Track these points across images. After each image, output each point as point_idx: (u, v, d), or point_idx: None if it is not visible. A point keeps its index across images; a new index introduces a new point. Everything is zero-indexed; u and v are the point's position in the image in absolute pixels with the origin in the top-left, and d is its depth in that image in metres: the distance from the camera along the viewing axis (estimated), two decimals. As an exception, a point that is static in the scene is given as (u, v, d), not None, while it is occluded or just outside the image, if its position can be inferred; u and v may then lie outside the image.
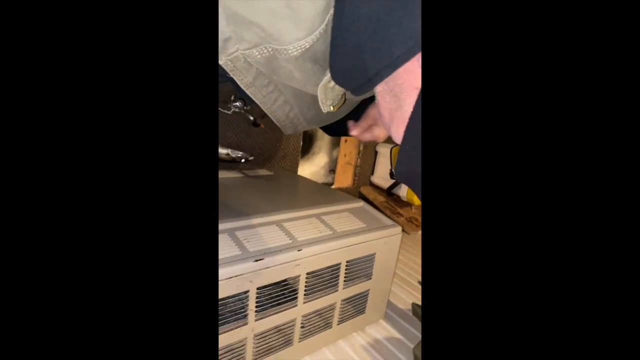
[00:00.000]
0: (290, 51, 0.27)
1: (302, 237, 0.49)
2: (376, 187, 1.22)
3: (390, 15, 0.22)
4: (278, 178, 0.80)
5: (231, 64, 0.30)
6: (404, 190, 1.10)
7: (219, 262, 0.40)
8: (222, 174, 0.75)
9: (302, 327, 0.50)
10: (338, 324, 0.55)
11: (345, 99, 0.33)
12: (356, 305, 0.58)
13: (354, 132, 0.45)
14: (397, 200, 1.15)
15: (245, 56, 0.29)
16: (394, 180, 1.10)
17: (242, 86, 0.32)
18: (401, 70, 0.23)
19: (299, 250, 0.46)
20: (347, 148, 1.22)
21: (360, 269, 0.55)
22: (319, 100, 0.32)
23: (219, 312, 0.43)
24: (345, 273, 0.52)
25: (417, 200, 1.09)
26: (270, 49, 0.28)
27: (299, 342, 0.51)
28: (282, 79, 0.32)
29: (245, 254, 0.42)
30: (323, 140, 1.24)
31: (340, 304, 0.54)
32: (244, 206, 0.55)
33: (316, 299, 0.50)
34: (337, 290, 0.52)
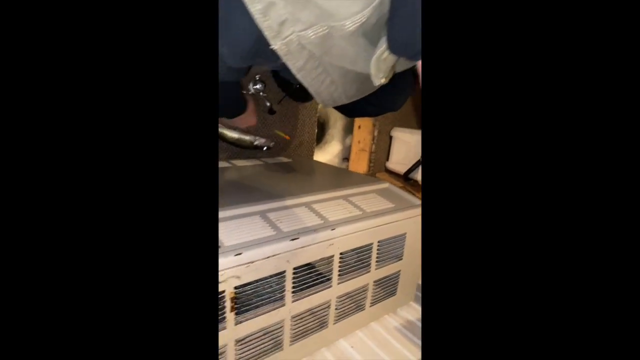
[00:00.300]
0: (346, 26, 0.28)
1: (333, 217, 0.48)
2: (392, 173, 1.20)
3: None
4: (298, 164, 0.79)
5: (285, 48, 0.30)
6: (421, 175, 1.08)
7: (256, 242, 0.39)
8: (243, 163, 0.74)
9: (336, 309, 0.50)
10: (370, 306, 0.54)
11: (394, 71, 0.34)
12: (387, 287, 0.57)
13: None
14: (415, 185, 1.13)
15: (300, 38, 0.29)
16: (411, 165, 1.08)
17: (293, 70, 0.33)
18: None
19: (332, 230, 0.45)
20: (361, 134, 1.20)
21: (391, 249, 0.54)
22: (372, 74, 0.32)
23: (257, 295, 0.43)
24: (377, 253, 0.51)
25: (435, 184, 1.07)
26: (325, 27, 0.28)
27: (334, 324, 0.50)
28: (334, 59, 0.33)
29: (280, 234, 0.42)
30: (335, 129, 1.23)
31: (373, 285, 0.53)
32: (270, 190, 0.55)
33: (350, 279, 0.49)
34: (369, 271, 0.51)
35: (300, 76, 0.34)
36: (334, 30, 0.28)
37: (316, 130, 1.07)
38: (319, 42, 0.30)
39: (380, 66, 0.32)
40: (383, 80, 0.34)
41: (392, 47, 0.30)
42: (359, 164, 1.22)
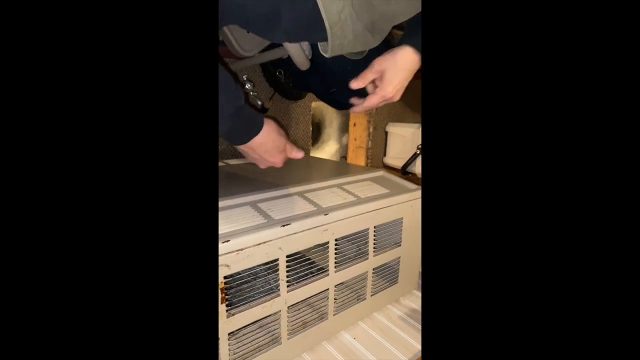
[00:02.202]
0: None
1: (327, 204, 0.47)
2: (390, 168, 1.19)
3: None
4: (293, 160, 0.78)
5: None
6: (418, 168, 1.07)
7: (245, 230, 0.38)
8: (236, 162, 0.74)
9: (335, 300, 0.48)
10: (372, 296, 0.53)
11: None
12: (388, 275, 0.55)
13: (357, 83, 0.43)
14: (413, 178, 1.12)
15: None
16: (408, 159, 1.07)
17: None
18: None
19: (325, 215, 0.43)
20: (357, 132, 1.20)
21: (388, 234, 0.53)
22: None
23: (250, 286, 0.41)
24: (375, 239, 0.50)
25: (434, 176, 1.06)
26: None
27: (334, 315, 0.48)
28: None
29: (270, 222, 0.41)
30: (331, 128, 1.22)
31: (372, 273, 0.51)
32: (263, 182, 0.54)
33: (347, 267, 0.48)
34: (367, 259, 0.50)
35: None
36: None
37: (311, 128, 1.06)
38: None
39: None
40: None
41: None
42: (357, 161, 1.21)
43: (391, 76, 0.42)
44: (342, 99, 0.67)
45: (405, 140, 1.11)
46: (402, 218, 0.53)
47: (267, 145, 0.41)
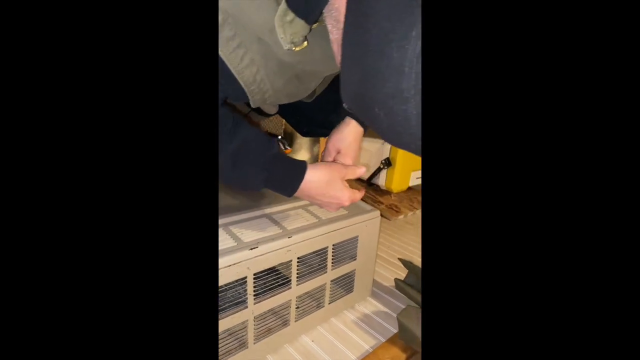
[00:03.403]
0: None
1: (291, 226, 0.54)
2: (357, 179, 1.28)
3: None
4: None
5: None
6: (382, 180, 1.17)
7: (219, 253, 0.44)
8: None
9: (297, 308, 0.55)
10: (329, 303, 0.61)
11: (307, 42, 0.33)
12: (344, 285, 0.63)
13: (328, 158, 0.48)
14: (377, 189, 1.22)
15: None
16: (373, 171, 1.17)
17: None
18: None
19: (289, 238, 0.50)
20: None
21: (345, 250, 0.61)
22: (279, 36, 0.30)
23: (221, 299, 0.47)
24: (333, 255, 0.58)
25: (395, 188, 1.16)
26: None
27: (295, 322, 0.56)
28: (244, 18, 0.30)
29: (240, 244, 0.47)
30: (303, 139, 1.29)
31: (330, 284, 0.59)
32: (236, 204, 0.60)
33: (308, 280, 0.55)
34: (326, 272, 0.58)
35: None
36: None
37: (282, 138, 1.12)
38: None
39: (286, 29, 0.29)
40: (294, 48, 0.31)
41: (288, 4, 0.27)
42: (326, 171, 1.29)
43: (346, 152, 0.51)
44: (304, 129, 0.75)
45: (371, 154, 1.20)
46: (357, 236, 0.61)
47: (320, 183, 0.42)
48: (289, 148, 0.65)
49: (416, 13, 0.19)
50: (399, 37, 0.20)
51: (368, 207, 0.65)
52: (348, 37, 0.24)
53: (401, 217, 1.11)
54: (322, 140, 1.29)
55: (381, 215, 1.08)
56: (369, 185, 1.22)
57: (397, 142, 0.25)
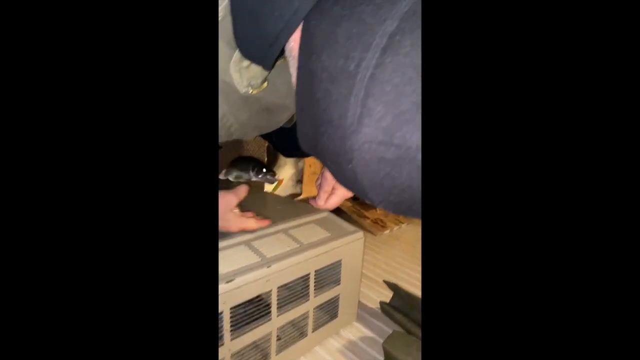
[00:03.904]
0: None
1: (271, 253, 0.52)
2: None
3: None
4: (246, 198, 0.81)
5: None
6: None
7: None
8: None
9: (278, 340, 0.53)
10: (313, 332, 0.58)
11: (267, 83, 0.32)
12: (328, 311, 0.61)
13: (319, 203, 0.44)
14: (363, 203, 1.21)
15: None
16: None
17: None
18: (294, 35, 0.22)
19: (268, 267, 0.48)
20: (312, 158, 1.26)
21: (328, 275, 0.59)
22: (235, 81, 0.29)
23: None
24: (315, 282, 0.55)
25: (380, 203, 1.15)
26: None
27: (277, 355, 0.53)
28: None
29: (216, 277, 0.44)
30: (287, 152, 1.28)
31: (313, 312, 0.57)
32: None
33: (289, 310, 0.53)
34: (308, 300, 0.55)
35: None
36: None
37: (267, 159, 1.10)
38: None
39: (242, 74, 0.29)
40: (251, 91, 0.31)
41: (240, 49, 0.26)
42: (312, 187, 1.27)
43: (339, 186, 0.47)
44: (285, 151, 0.73)
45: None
46: (341, 260, 0.59)
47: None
48: (281, 179, 0.62)
49: (359, 78, 0.18)
50: (341, 102, 0.19)
51: (351, 227, 0.64)
52: (299, 87, 0.23)
53: (387, 232, 1.10)
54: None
55: (367, 230, 1.07)
56: (354, 199, 1.21)
57: (351, 190, 0.24)
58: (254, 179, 0.56)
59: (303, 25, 0.22)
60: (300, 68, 0.23)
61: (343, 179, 0.23)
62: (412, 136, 0.17)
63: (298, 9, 0.21)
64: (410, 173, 0.19)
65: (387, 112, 0.18)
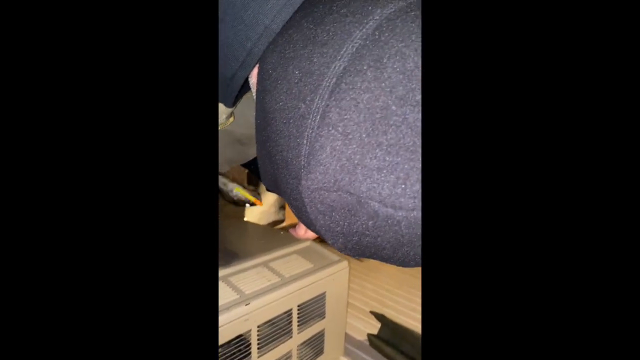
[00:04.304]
0: None
1: (250, 289, 0.49)
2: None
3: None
4: (222, 228, 0.79)
5: None
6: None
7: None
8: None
9: (260, 384, 0.49)
10: (298, 371, 0.55)
11: (233, 118, 0.32)
12: (314, 347, 0.58)
13: (299, 233, 0.44)
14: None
15: None
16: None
17: None
18: (254, 71, 0.22)
19: (246, 305, 0.45)
20: (294, 184, 1.25)
21: (312, 309, 0.56)
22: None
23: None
24: (298, 317, 0.53)
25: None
26: None
27: (259, 400, 0.49)
28: None
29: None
30: (270, 179, 1.26)
31: (297, 349, 0.54)
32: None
33: (271, 350, 0.49)
34: (291, 337, 0.52)
35: None
36: None
37: (246, 180, 1.08)
38: None
39: None
40: (229, 120, 0.31)
41: None
42: (295, 212, 1.25)
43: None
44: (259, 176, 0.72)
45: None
46: (325, 292, 0.57)
47: None
48: (259, 200, 0.60)
49: (310, 120, 0.18)
50: (293, 143, 0.18)
51: (335, 257, 0.62)
52: (257, 124, 0.22)
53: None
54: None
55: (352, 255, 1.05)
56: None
57: (313, 232, 0.23)
58: (234, 191, 0.55)
59: (260, 64, 0.22)
60: (257, 105, 0.22)
61: (304, 221, 0.22)
62: (362, 183, 0.16)
63: (252, 50, 0.21)
64: (366, 220, 0.17)
65: (334, 157, 0.17)
